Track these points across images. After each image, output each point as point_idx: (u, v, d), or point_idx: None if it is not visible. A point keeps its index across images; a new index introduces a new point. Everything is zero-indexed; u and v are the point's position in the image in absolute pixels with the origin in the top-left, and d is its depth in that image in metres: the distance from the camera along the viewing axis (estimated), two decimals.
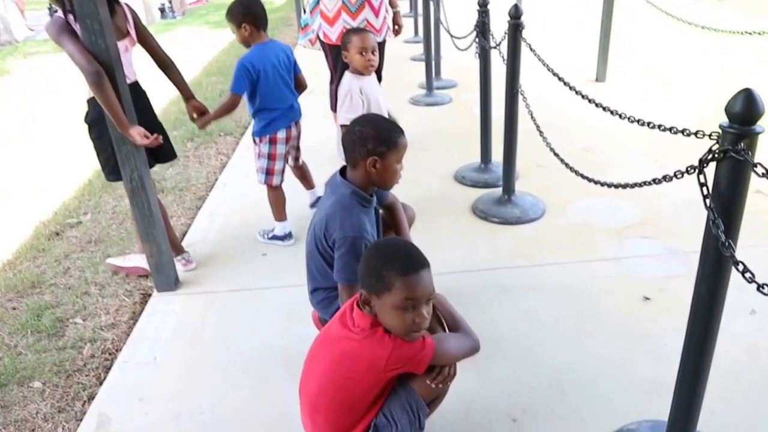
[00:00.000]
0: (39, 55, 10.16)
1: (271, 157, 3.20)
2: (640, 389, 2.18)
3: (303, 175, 3.60)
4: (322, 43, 4.07)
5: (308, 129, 3.62)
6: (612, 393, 2.17)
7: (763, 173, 1.33)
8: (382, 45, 4.08)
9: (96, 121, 2.70)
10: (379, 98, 3.27)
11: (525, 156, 3.73)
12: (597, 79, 6.25)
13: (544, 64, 2.99)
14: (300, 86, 3.29)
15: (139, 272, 3.13)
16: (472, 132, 4.24)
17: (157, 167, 4.53)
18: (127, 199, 2.82)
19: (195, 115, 3.06)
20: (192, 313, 2.81)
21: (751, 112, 1.33)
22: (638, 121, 1.86)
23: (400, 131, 2.07)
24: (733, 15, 8.84)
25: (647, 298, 2.69)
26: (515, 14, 3.14)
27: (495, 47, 3.55)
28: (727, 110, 1.36)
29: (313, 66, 5.19)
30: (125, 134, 2.58)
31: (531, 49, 3.10)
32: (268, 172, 3.22)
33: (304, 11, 4.17)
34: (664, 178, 1.66)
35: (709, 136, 1.47)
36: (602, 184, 2.09)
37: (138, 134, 2.58)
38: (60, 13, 2.51)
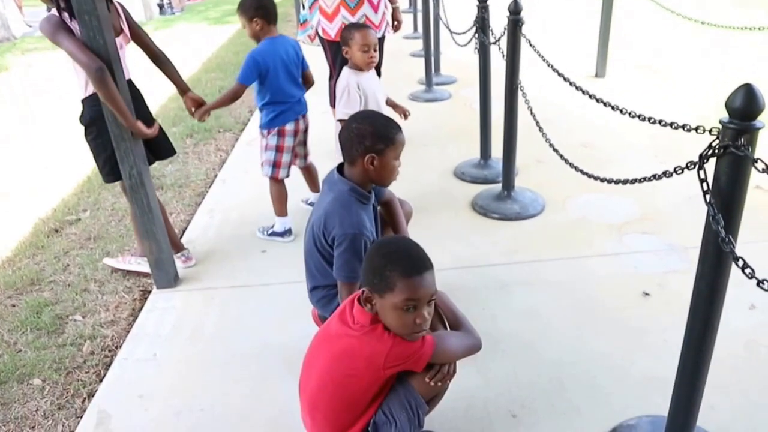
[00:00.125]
0: (37, 51, 10.14)
1: (278, 149, 3.21)
2: (640, 384, 2.18)
3: (310, 177, 3.59)
4: (321, 39, 4.06)
5: None
6: (611, 388, 2.17)
7: (763, 169, 1.33)
8: (381, 41, 4.07)
9: (93, 121, 2.68)
10: (378, 94, 3.27)
11: (524, 152, 3.72)
12: (596, 75, 6.24)
13: (543, 60, 2.98)
14: (307, 82, 3.31)
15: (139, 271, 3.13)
16: (472, 128, 4.24)
17: (157, 163, 4.54)
18: (126, 197, 2.82)
19: (193, 108, 3.05)
20: (192, 309, 2.81)
21: (752, 107, 1.32)
22: (638, 117, 1.86)
23: (398, 128, 2.06)
24: (733, 10, 8.82)
25: (647, 294, 2.69)
26: (515, 10, 3.13)
27: (494, 43, 3.54)
28: (728, 105, 1.35)
29: (312, 62, 5.14)
30: (132, 128, 2.58)
31: (530, 45, 3.10)
32: (275, 165, 3.22)
33: (303, 7, 4.16)
34: (664, 173, 1.65)
35: (709, 131, 1.47)
36: (602, 180, 2.09)
37: (143, 126, 2.62)
38: (54, 11, 2.49)
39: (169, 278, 2.95)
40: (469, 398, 2.15)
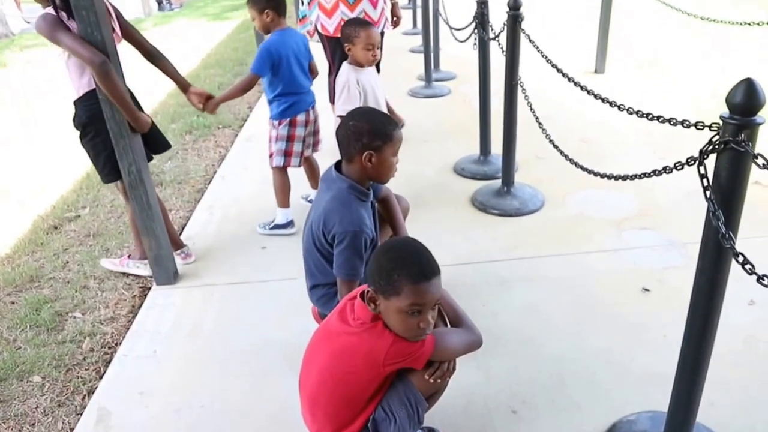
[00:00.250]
0: (36, 47, 10.10)
1: (289, 139, 3.25)
2: (640, 380, 2.18)
3: (312, 171, 3.59)
4: (320, 34, 4.05)
5: None
6: (611, 384, 2.18)
7: (763, 164, 1.32)
8: (380, 37, 4.05)
9: (89, 121, 2.67)
10: (377, 90, 3.27)
11: (524, 148, 3.72)
12: (596, 71, 6.23)
13: (543, 56, 2.97)
14: (312, 72, 3.36)
15: None
16: (471, 124, 4.24)
17: (156, 160, 4.54)
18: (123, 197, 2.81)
19: (200, 103, 3.04)
20: (191, 306, 2.81)
21: (752, 102, 1.32)
22: (637, 113, 1.86)
23: (395, 124, 2.05)
24: (733, 5, 8.80)
25: (646, 290, 2.70)
26: (514, 5, 3.12)
27: (494, 39, 3.53)
28: (728, 101, 1.35)
29: None
30: (136, 120, 2.59)
31: (530, 41, 3.09)
32: (287, 154, 3.27)
33: (302, 2, 4.15)
34: (665, 169, 1.65)
35: (710, 127, 1.46)
36: (602, 176, 2.09)
37: (146, 116, 2.65)
38: (49, 10, 2.47)
39: (168, 275, 2.95)
40: (469, 395, 2.15)
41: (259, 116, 5.54)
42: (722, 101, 1.40)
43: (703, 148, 1.42)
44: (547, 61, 2.92)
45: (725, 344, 2.18)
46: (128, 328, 2.70)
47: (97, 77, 2.44)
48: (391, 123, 2.04)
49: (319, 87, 3.41)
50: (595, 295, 2.68)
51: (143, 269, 3.05)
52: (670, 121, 1.70)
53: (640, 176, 1.82)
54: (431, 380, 1.67)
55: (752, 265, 1.34)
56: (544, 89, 4.84)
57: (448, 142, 4.57)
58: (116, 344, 2.63)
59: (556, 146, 2.79)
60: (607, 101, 2.11)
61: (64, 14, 2.44)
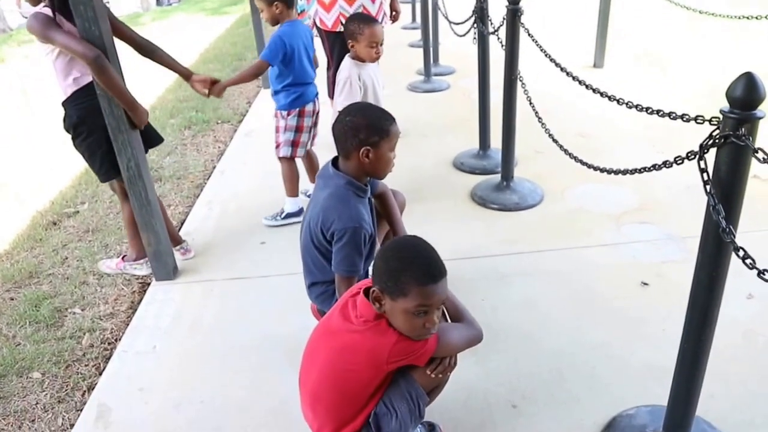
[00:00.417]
0: (33, 42, 10.04)
1: (298, 129, 3.29)
2: (639, 374, 2.19)
3: (311, 166, 3.60)
4: (318, 29, 4.04)
5: None
6: (611, 378, 2.18)
7: (764, 159, 1.32)
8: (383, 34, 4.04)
9: (80, 121, 2.65)
10: (377, 86, 3.26)
11: (523, 142, 3.71)
12: (595, 65, 6.21)
13: (542, 50, 2.97)
14: (314, 64, 3.40)
15: None
16: (471, 118, 4.23)
17: (155, 155, 4.54)
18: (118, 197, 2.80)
19: (206, 89, 3.02)
20: (191, 301, 2.81)
21: (752, 96, 1.31)
22: (636, 107, 1.85)
23: (392, 119, 2.04)
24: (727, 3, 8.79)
25: (645, 284, 2.70)
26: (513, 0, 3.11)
27: (493, 33, 3.52)
28: (728, 95, 1.35)
29: None
30: (136, 111, 2.58)
31: (529, 35, 3.08)
32: (294, 144, 3.30)
33: None
34: (665, 163, 1.65)
35: (710, 121, 1.46)
36: (602, 170, 2.08)
37: (143, 107, 2.65)
38: (40, 9, 2.45)
39: (168, 270, 2.95)
40: (469, 389, 2.16)
41: (259, 111, 5.53)
42: (721, 95, 1.39)
43: (704, 142, 1.41)
44: (546, 55, 2.91)
45: (724, 338, 2.18)
46: (128, 324, 2.70)
47: (93, 72, 2.43)
48: (388, 118, 2.03)
49: (317, 81, 3.40)
50: (595, 290, 2.68)
51: (141, 269, 3.05)
52: (670, 115, 1.69)
53: (640, 170, 1.81)
54: (433, 375, 1.67)
55: (753, 260, 1.33)
56: (544, 84, 4.83)
57: (447, 136, 4.57)
58: (116, 340, 2.63)
59: (555, 140, 2.78)
60: (607, 95, 2.10)
61: (58, 15, 2.42)
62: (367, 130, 1.97)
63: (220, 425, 2.11)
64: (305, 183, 3.67)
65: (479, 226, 3.28)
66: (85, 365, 2.50)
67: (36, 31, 2.43)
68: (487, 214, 3.42)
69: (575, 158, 2.40)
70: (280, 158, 3.33)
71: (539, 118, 2.96)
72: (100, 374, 2.42)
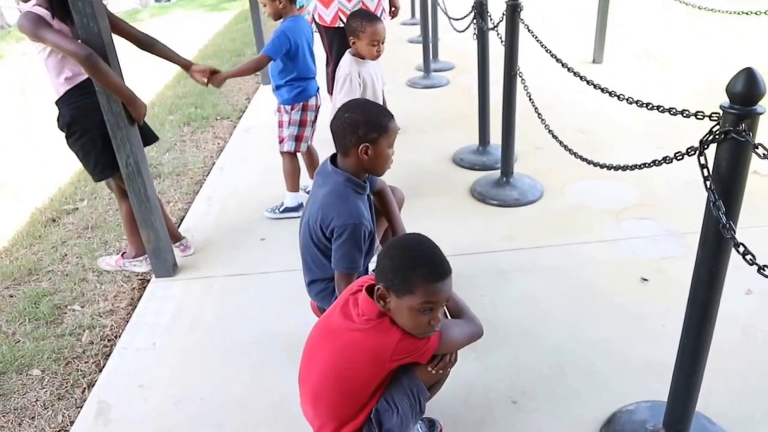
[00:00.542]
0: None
1: (302, 124, 3.32)
2: (639, 370, 2.19)
3: (311, 162, 3.60)
4: (317, 24, 4.03)
5: None
6: (611, 374, 2.18)
7: (764, 154, 1.32)
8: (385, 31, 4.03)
9: (73, 120, 2.64)
10: (377, 83, 3.25)
11: (523, 138, 3.71)
12: (594, 61, 6.20)
13: (542, 46, 2.96)
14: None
15: None
16: (470, 114, 4.22)
17: (154, 152, 4.53)
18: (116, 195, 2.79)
19: (205, 79, 3.01)
20: (190, 298, 2.81)
21: (753, 91, 1.31)
22: (636, 103, 1.85)
23: (390, 115, 2.04)
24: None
25: (645, 280, 2.70)
26: None
27: (493, 29, 3.51)
28: (728, 90, 1.34)
29: None
30: (133, 103, 2.57)
31: (529, 31, 3.08)
32: (298, 139, 3.33)
33: None
34: (665, 159, 1.65)
35: (710, 117, 1.46)
36: (601, 166, 2.08)
37: (141, 100, 2.64)
38: (33, 8, 2.43)
39: (167, 267, 2.95)
40: (469, 385, 2.16)
41: (258, 107, 5.52)
42: (721, 91, 1.39)
43: (704, 138, 1.41)
44: (546, 51, 2.91)
45: (723, 333, 2.18)
46: (127, 321, 2.70)
47: (86, 70, 2.42)
48: (386, 114, 2.03)
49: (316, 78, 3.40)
50: (594, 286, 2.68)
51: (140, 266, 3.04)
52: (670, 110, 1.69)
53: (640, 166, 1.81)
54: (433, 371, 1.68)
55: (753, 256, 1.34)
56: (543, 80, 4.83)
57: (446, 132, 4.56)
58: (116, 337, 2.63)
59: (555, 136, 2.78)
60: (606, 91, 2.10)
61: (52, 13, 2.41)
62: (366, 127, 1.97)
63: (220, 422, 2.11)
64: (305, 179, 3.66)
65: (479, 222, 3.28)
66: (85, 362, 2.50)
67: (26, 30, 2.41)
68: (486, 210, 3.42)
69: (575, 154, 2.39)
70: (283, 153, 3.34)
71: (539, 113, 2.96)
72: (100, 371, 2.42)
